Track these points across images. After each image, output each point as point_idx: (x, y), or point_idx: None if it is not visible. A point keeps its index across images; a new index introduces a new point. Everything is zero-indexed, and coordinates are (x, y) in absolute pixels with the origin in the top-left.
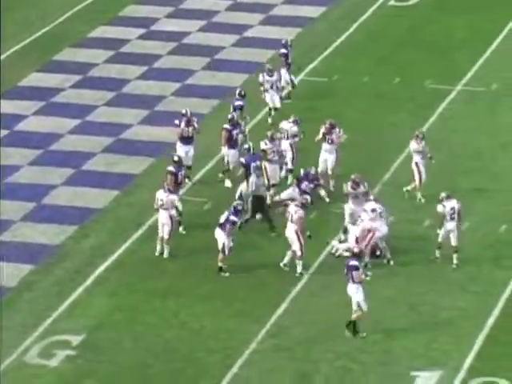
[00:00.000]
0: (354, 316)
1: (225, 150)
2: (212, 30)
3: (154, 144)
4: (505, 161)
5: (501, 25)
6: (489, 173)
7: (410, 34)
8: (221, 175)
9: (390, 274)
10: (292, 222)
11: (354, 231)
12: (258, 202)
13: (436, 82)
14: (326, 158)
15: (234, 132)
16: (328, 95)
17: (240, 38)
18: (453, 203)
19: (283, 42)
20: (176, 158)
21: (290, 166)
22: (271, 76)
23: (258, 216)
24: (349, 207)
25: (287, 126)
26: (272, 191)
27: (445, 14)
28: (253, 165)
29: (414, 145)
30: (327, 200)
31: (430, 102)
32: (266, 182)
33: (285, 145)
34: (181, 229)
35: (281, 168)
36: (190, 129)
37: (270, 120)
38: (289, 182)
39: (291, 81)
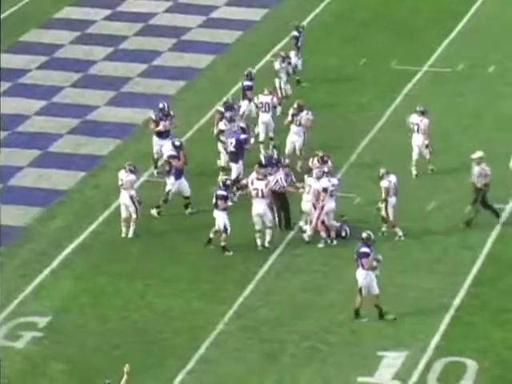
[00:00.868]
0: (357, 302)
1: (217, 131)
2: (178, 11)
3: (121, 125)
4: (470, 141)
5: (467, 5)
6: (455, 153)
7: (376, 15)
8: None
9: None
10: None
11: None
12: (279, 199)
13: (402, 63)
14: (294, 140)
15: (227, 114)
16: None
17: (206, 18)
18: (394, 178)
19: (296, 23)
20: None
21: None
22: (289, 63)
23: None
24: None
25: (267, 98)
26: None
27: None
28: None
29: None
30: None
31: (396, 83)
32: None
33: (266, 117)
34: (154, 211)
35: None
36: (167, 123)
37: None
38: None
39: (295, 66)
